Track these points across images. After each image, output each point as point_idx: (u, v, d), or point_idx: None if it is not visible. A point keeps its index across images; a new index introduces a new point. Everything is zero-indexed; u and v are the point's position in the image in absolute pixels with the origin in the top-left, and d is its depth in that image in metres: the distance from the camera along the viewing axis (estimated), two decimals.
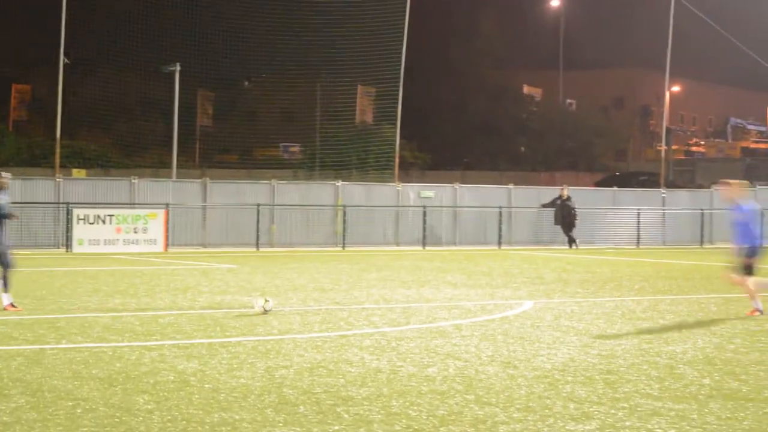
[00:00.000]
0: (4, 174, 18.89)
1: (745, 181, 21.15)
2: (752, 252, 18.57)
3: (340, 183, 44.87)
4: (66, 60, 44.47)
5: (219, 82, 63.43)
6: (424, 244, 43.86)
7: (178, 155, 48.84)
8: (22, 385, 10.97)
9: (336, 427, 9.24)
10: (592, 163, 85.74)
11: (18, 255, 34.66)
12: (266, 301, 17.92)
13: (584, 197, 48.32)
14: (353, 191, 44.91)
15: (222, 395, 10.59)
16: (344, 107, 59.90)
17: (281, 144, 68.22)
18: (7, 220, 18.46)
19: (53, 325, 16.31)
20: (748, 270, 18.61)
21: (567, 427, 9.36)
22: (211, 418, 9.51)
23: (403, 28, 50.18)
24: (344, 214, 43.15)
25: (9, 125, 66.60)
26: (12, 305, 18.21)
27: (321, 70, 60.83)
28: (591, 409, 10.12)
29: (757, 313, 18.47)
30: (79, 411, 9.76)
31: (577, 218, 45.22)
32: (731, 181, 19.56)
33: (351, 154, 59.00)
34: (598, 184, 66.87)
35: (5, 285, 18.42)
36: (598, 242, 47.06)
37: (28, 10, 68.23)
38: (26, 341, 14.50)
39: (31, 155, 60.83)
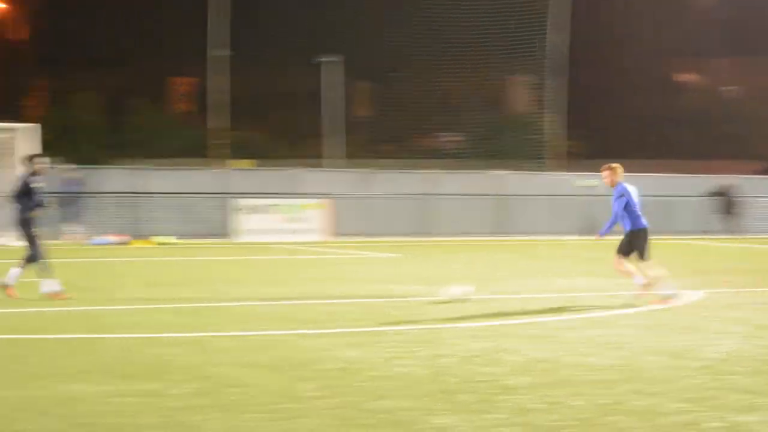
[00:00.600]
0: (41, 159, 18.96)
1: None
2: None
3: (499, 172, 44.75)
4: (229, 52, 45.26)
5: (376, 72, 63.80)
6: (583, 233, 43.49)
7: (335, 145, 49.30)
8: (189, 372, 11.23)
9: (497, 416, 9.26)
10: (753, 151, 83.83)
11: (181, 244, 35.66)
12: (462, 289, 17.90)
13: (747, 186, 47.33)
14: (510, 180, 44.76)
15: (385, 383, 10.69)
16: (501, 96, 59.64)
17: (438, 133, 68.30)
18: (40, 209, 18.52)
19: (216, 313, 16.67)
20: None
21: (733, 418, 9.22)
22: (375, 405, 9.62)
23: (567, 16, 49.72)
24: (503, 202, 43.04)
25: (171, 117, 68.09)
26: (56, 294, 18.21)
27: (478, 58, 60.67)
28: (758, 401, 9.95)
29: None
30: (245, 397, 9.97)
31: (741, 207, 44.34)
32: None
33: (507, 143, 58.76)
34: (759, 173, 65.35)
35: (44, 272, 18.45)
36: (762, 232, 46.07)
37: (190, 2, 69.39)
38: (191, 328, 14.84)
39: (193, 146, 62.05)
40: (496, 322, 15.64)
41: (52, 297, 18.00)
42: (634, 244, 18.32)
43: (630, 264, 18.36)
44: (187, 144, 63.18)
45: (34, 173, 18.41)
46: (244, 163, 53.34)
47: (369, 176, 42.56)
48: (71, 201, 36.47)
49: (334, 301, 18.34)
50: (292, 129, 62.11)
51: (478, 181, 44.57)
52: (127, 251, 32.90)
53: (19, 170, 34.09)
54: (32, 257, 18.31)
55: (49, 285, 18.23)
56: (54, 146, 46.96)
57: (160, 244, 36.16)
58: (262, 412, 9.36)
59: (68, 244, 34.83)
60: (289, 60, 60.06)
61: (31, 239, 18.29)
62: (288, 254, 32.04)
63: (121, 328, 14.64)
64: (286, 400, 9.86)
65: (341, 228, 40.57)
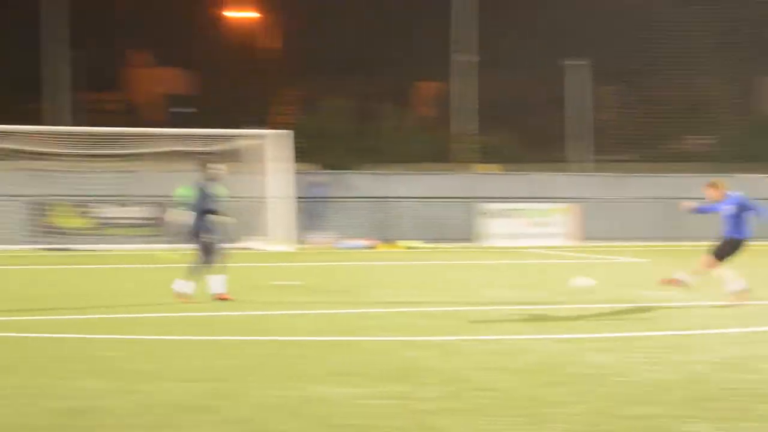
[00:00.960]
0: (217, 166, 19.00)
1: None
2: None
3: (752, 175, 43.43)
4: (473, 58, 45.46)
5: (621, 76, 62.89)
6: None
7: (581, 149, 48.87)
8: (439, 375, 11.29)
9: (754, 425, 8.99)
10: None
11: (428, 248, 35.96)
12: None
13: None
14: (766, 184, 43.38)
15: (635, 388, 10.51)
16: (755, 96, 57.93)
17: (687, 135, 66.83)
18: (215, 215, 18.57)
19: (466, 316, 16.72)
20: None
21: None
22: (625, 411, 9.47)
23: None
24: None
25: (417, 122, 68.75)
26: (223, 296, 18.41)
27: (727, 57, 59.17)
28: None
29: None
30: (494, 401, 9.96)
31: None
32: None
33: (762, 145, 57.00)
34: None
35: (216, 272, 18.56)
36: None
37: (437, 8, 69.93)
38: (441, 331, 14.93)
39: (439, 151, 62.48)
40: (750, 329, 15.19)
41: (220, 298, 18.37)
42: (730, 252, 17.86)
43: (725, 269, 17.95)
44: (433, 149, 63.67)
45: (210, 179, 18.69)
46: (490, 167, 53.40)
47: (616, 180, 42.00)
48: (317, 206, 37.25)
49: (583, 306, 18.13)
50: (538, 133, 61.85)
51: (728, 184, 43.24)
52: (374, 255, 33.38)
53: (273, 175, 35.35)
54: (206, 263, 18.51)
55: (182, 286, 18.40)
56: (304, 152, 48.08)
57: (406, 248, 36.54)
58: (510, 416, 9.33)
59: (316, 248, 35.59)
60: (535, 64, 59.88)
61: (205, 246, 18.49)
62: (535, 258, 31.93)
63: (372, 331, 14.85)
64: (536, 404, 9.80)
65: (588, 232, 40.15)
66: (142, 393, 10.15)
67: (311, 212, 37.26)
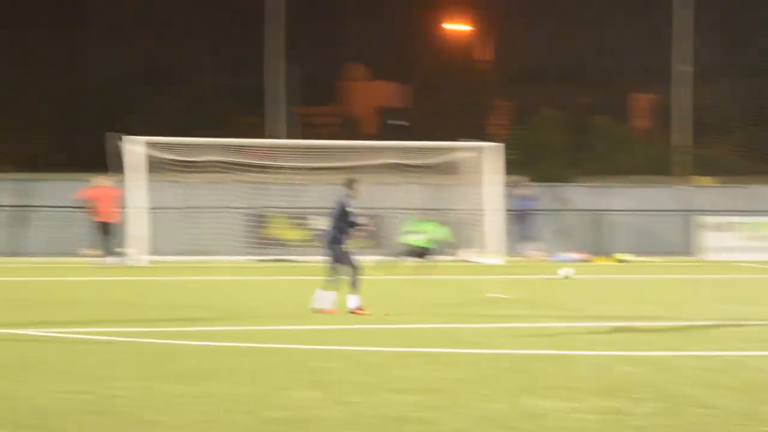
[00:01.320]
0: (359, 184, 19.14)
1: None
2: None
3: None
4: (686, 68, 44.65)
5: None
6: None
7: None
8: (653, 391, 11.18)
9: None
10: None
11: (642, 262, 35.44)
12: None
13: None
14: None
15: None
16: None
17: None
18: (353, 231, 18.86)
19: (679, 331, 16.48)
20: None
21: None
22: None
23: None
24: None
25: (632, 133, 67.92)
26: (358, 309, 18.49)
27: None
28: None
29: None
30: (707, 419, 9.81)
31: None
32: None
33: None
34: None
35: (354, 286, 18.68)
36: None
37: (655, 18, 68.98)
38: (655, 346, 14.74)
39: (655, 163, 61.56)
40: None
41: (355, 312, 18.44)
42: None
43: None
44: (648, 161, 62.73)
45: (349, 196, 18.92)
46: (706, 179, 52.33)
47: None
48: (527, 218, 37.12)
49: None
50: (758, 145, 60.27)
51: None
52: (589, 268, 33.10)
53: (484, 187, 35.45)
54: (353, 279, 18.70)
55: (324, 299, 18.69)
56: (517, 164, 47.99)
57: (620, 261, 36.13)
58: None
59: (530, 261, 35.50)
60: (753, 72, 58.44)
61: (343, 259, 18.76)
62: (752, 273, 31.17)
63: (585, 345, 14.78)
64: (753, 422, 9.62)
65: None
66: (356, 404, 10.35)
67: (524, 225, 37.17)
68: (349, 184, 19.10)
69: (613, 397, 10.74)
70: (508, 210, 36.59)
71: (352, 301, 18.64)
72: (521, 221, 37.14)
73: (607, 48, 71.73)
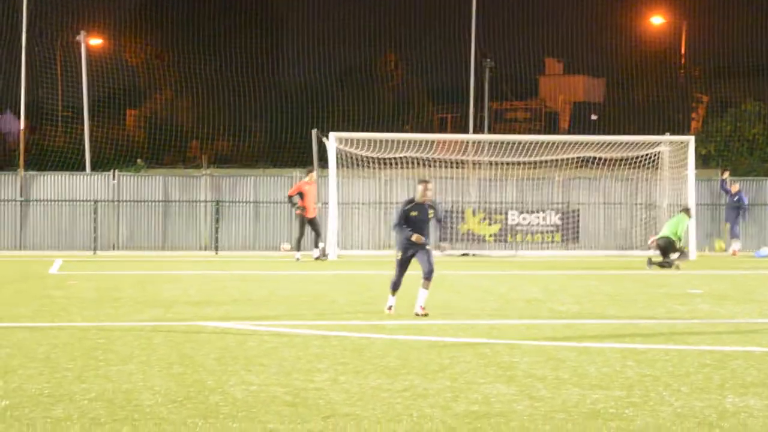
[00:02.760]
0: (429, 186, 17.62)
1: None
2: None
3: None
4: None
5: None
6: None
7: None
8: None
9: None
10: None
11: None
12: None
13: None
14: None
15: None
16: None
17: None
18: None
19: None
20: None
21: None
22: None
23: None
24: None
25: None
26: (422, 310, 17.37)
27: None
28: None
29: None
30: None
31: None
32: None
33: None
34: None
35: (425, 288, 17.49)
36: None
37: None
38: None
39: None
40: None
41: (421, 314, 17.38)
42: None
43: None
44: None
45: (411, 201, 17.62)
46: None
47: None
48: (736, 214, 36.30)
49: None
50: None
51: None
52: None
53: (678, 181, 34.87)
54: (392, 280, 17.70)
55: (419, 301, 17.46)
56: (715, 158, 46.94)
57: None
58: None
59: (730, 258, 34.84)
60: None
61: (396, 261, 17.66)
62: None
63: None
64: None
65: None
66: (548, 399, 10.32)
67: (735, 220, 36.35)
68: (422, 188, 17.66)
69: None
70: (709, 204, 36.06)
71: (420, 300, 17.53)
72: (734, 216, 36.35)
73: None
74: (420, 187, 17.59)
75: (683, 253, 29.47)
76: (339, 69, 70.08)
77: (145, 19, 59.10)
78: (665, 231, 29.67)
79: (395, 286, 17.75)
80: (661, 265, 28.83)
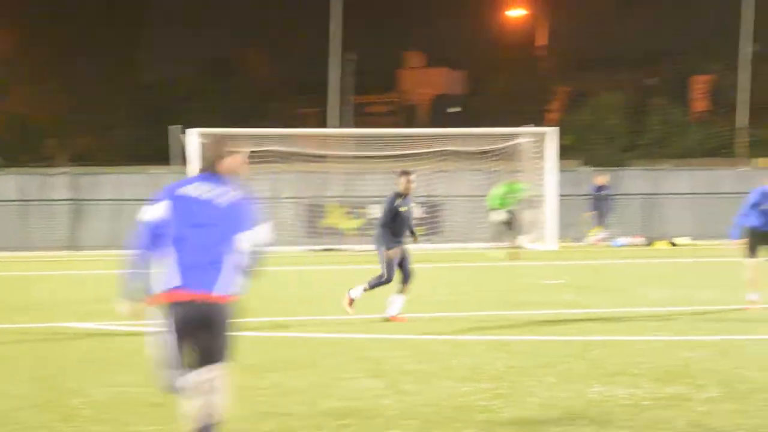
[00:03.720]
0: (410, 177, 16.83)
1: None
2: None
3: None
4: (755, 47, 44.26)
5: None
6: None
7: None
8: (715, 376, 11.06)
9: None
10: None
11: (700, 246, 35.09)
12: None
13: None
14: None
15: None
16: None
17: None
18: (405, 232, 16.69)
19: (739, 316, 16.30)
20: None
21: None
22: None
23: None
24: None
25: (691, 116, 67.35)
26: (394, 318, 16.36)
27: None
28: None
29: None
30: None
31: None
32: None
33: None
34: None
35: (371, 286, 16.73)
36: None
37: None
38: (714, 331, 14.60)
39: (713, 145, 61.01)
40: None
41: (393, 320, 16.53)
42: None
43: None
44: (708, 143, 62.20)
45: (400, 195, 16.78)
46: (763, 161, 51.76)
47: None
48: (600, 205, 36.84)
49: None
50: None
51: None
52: (646, 252, 32.90)
53: (539, 173, 35.30)
54: (383, 280, 16.54)
55: (394, 308, 16.44)
56: (574, 149, 47.56)
57: (674, 245, 35.84)
58: None
59: (592, 247, 35.37)
60: None
61: (385, 261, 16.50)
62: None
63: (645, 330, 14.67)
64: None
65: None
66: (416, 394, 10.31)
67: (601, 212, 36.91)
68: (403, 181, 16.86)
69: (675, 383, 10.64)
70: (587, 195, 36.70)
71: (393, 306, 16.52)
72: (598, 208, 36.87)
73: (674, 30, 71.19)
74: (403, 179, 16.73)
75: (512, 228, 30.02)
76: (201, 63, 69.51)
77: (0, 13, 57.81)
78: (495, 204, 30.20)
79: (388, 282, 16.51)
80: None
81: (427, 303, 18.38)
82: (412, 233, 16.97)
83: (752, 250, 17.38)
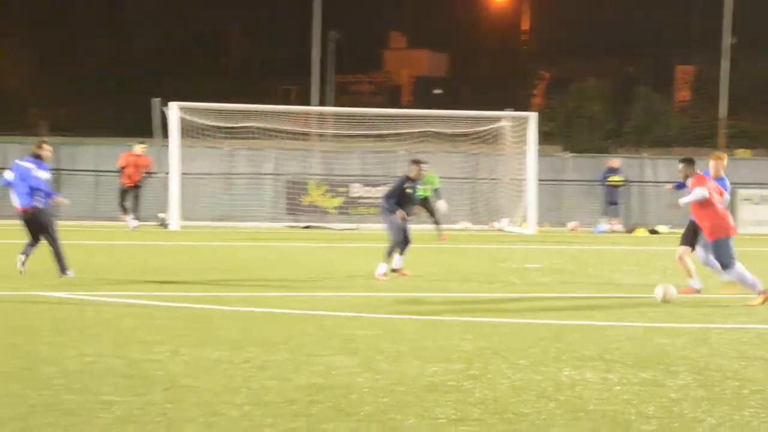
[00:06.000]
0: (423, 165, 19.96)
1: None
2: None
3: None
4: (733, 39, 44.32)
5: None
6: None
7: None
8: (688, 363, 11.11)
9: None
10: None
11: (676, 234, 35.18)
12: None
13: None
14: None
15: None
16: None
17: None
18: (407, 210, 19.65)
19: (716, 304, 16.38)
20: None
21: None
22: None
23: None
24: None
25: (672, 105, 67.52)
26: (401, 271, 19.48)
27: None
28: None
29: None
30: (745, 392, 9.75)
31: None
32: None
33: None
34: None
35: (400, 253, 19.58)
36: None
37: None
38: (692, 320, 14.66)
39: (694, 135, 61.27)
40: None
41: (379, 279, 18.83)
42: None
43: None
44: (688, 133, 62.41)
45: (410, 179, 19.73)
46: (742, 152, 51.99)
47: None
48: (611, 192, 36.67)
49: None
50: None
51: None
52: (625, 240, 33.00)
53: (519, 157, 35.35)
54: (394, 245, 19.33)
55: (381, 268, 19.09)
56: (555, 134, 47.60)
57: (652, 233, 35.98)
58: (761, 407, 9.12)
59: (571, 232, 35.49)
60: None
61: (393, 226, 19.32)
62: None
63: (620, 316, 14.73)
64: None
65: None
66: (388, 372, 10.33)
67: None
68: (415, 166, 19.84)
69: (649, 369, 10.68)
70: (547, 180, 36.59)
71: (381, 267, 19.15)
72: (610, 195, 36.76)
73: (655, 20, 71.26)
74: (415, 167, 19.75)
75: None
76: (183, 36, 69.24)
77: None
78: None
79: (398, 245, 19.35)
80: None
81: (401, 283, 18.42)
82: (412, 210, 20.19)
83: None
